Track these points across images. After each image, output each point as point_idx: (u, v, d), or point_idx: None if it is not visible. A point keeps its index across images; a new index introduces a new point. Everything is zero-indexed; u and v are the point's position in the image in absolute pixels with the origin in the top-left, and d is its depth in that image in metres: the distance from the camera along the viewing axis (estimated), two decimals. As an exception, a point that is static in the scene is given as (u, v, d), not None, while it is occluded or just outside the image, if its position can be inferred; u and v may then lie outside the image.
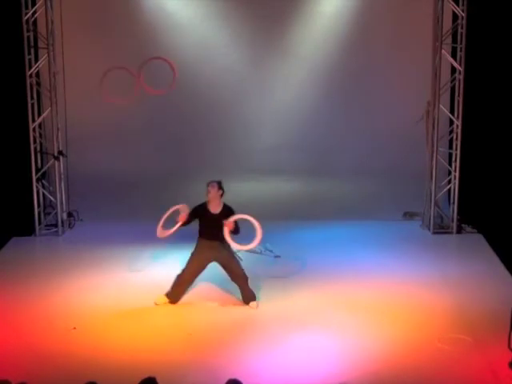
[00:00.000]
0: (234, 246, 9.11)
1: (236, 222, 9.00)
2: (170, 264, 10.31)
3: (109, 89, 9.86)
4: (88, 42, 12.59)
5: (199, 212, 9.08)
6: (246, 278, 9.19)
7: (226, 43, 12.81)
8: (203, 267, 9.17)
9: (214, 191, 9.06)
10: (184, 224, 9.09)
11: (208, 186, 9.10)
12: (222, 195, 9.13)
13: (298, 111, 13.15)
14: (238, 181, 12.83)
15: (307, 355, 7.92)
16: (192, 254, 9.16)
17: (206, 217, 9.05)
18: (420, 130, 11.93)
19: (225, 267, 9.18)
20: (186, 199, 12.21)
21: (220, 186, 9.11)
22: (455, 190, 11.85)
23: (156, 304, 9.16)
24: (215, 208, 9.06)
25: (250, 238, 9.02)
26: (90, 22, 12.58)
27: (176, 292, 9.19)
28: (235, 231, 9.01)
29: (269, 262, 10.70)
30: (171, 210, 9.21)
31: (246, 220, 9.07)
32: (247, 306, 9.13)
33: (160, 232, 9.21)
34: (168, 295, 9.19)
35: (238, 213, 9.07)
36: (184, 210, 9.07)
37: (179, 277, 9.17)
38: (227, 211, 9.07)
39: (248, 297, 9.18)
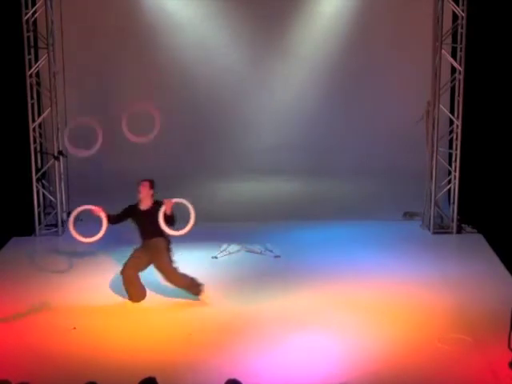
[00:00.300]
0: (170, 232, 9.05)
1: (172, 213, 9.00)
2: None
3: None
4: (88, 41, 12.59)
5: (130, 211, 9.16)
6: (180, 282, 9.13)
7: (226, 43, 12.81)
8: (139, 267, 9.16)
9: (145, 190, 9.11)
10: (113, 222, 9.18)
11: (139, 184, 9.13)
12: (153, 195, 9.16)
13: (298, 111, 13.16)
14: (238, 181, 12.86)
15: (307, 355, 7.92)
16: (132, 254, 9.18)
17: (138, 215, 9.10)
18: (420, 130, 11.93)
19: (158, 271, 9.19)
20: (185, 199, 12.25)
21: (151, 185, 9.13)
22: (455, 190, 11.84)
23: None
24: (146, 206, 9.12)
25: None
26: (90, 22, 12.58)
27: (134, 292, 9.18)
28: (171, 221, 9.00)
29: (269, 261, 10.70)
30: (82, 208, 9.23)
31: (181, 204, 9.07)
32: (247, 306, 9.11)
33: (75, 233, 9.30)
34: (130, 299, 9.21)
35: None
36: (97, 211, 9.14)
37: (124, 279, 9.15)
38: (158, 205, 9.08)
39: (192, 292, 9.18)
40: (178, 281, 9.15)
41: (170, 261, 9.16)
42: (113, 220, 9.25)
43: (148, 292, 9.48)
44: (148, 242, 9.12)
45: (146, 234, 9.12)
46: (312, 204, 12.61)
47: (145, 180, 9.15)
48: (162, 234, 9.08)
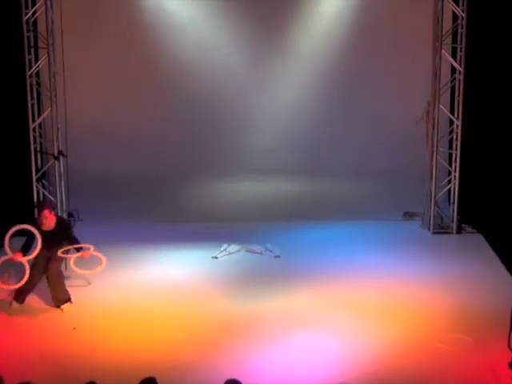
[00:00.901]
0: (78, 270, 9.17)
1: (75, 238, 9.08)
2: (170, 264, 10.32)
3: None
4: (88, 42, 12.58)
5: (33, 227, 8.97)
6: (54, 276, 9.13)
7: (226, 43, 12.80)
8: (40, 277, 9.15)
9: (52, 218, 8.93)
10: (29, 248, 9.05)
11: (43, 210, 8.91)
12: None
13: (298, 111, 13.15)
14: (238, 181, 12.86)
15: (307, 355, 7.92)
16: (32, 265, 9.05)
17: (41, 233, 8.93)
18: (420, 130, 11.93)
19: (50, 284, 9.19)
20: (185, 199, 12.28)
21: (53, 208, 9.15)
22: (455, 189, 11.85)
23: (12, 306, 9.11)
24: (48, 227, 8.99)
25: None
26: (90, 22, 12.56)
27: (22, 295, 9.15)
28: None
29: (269, 262, 10.69)
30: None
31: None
32: (247, 306, 9.12)
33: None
34: (15, 299, 9.15)
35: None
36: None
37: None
38: (62, 226, 9.06)
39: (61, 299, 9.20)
40: (60, 290, 9.15)
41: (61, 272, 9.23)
42: (28, 248, 9.12)
43: (148, 292, 9.49)
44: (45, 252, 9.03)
45: (45, 247, 9.00)
46: (312, 204, 12.60)
47: (45, 205, 9.07)
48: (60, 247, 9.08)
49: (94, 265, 9.22)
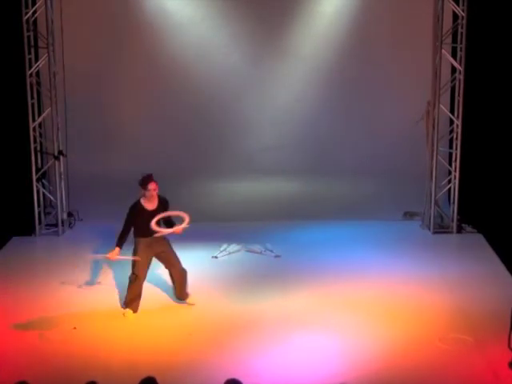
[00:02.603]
0: (165, 231, 8.96)
1: (170, 219, 9.00)
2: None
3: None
4: (88, 41, 12.58)
5: (135, 213, 8.91)
6: (185, 273, 9.11)
7: (226, 43, 12.80)
8: (148, 267, 9.03)
9: (156, 189, 8.90)
10: (123, 243, 8.90)
11: (148, 183, 8.85)
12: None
13: (298, 111, 13.15)
14: (238, 181, 12.86)
15: (307, 355, 7.92)
16: (137, 254, 8.92)
17: (144, 215, 8.86)
18: (420, 130, 11.93)
19: (165, 263, 9.10)
20: (185, 199, 12.26)
21: (157, 182, 8.96)
22: (455, 189, 11.85)
23: (127, 317, 8.88)
24: (152, 204, 8.94)
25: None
26: (90, 22, 12.57)
27: (135, 301, 8.95)
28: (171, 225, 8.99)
29: (269, 261, 10.69)
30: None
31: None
32: (247, 306, 9.11)
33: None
34: (128, 306, 8.93)
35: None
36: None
37: (134, 285, 8.92)
38: (164, 204, 8.99)
39: (184, 293, 9.16)
40: (181, 272, 9.07)
41: (176, 255, 9.13)
42: (124, 241, 8.94)
43: (148, 292, 9.48)
44: (151, 239, 8.91)
45: (145, 233, 8.88)
46: (312, 204, 12.60)
47: (151, 178, 8.89)
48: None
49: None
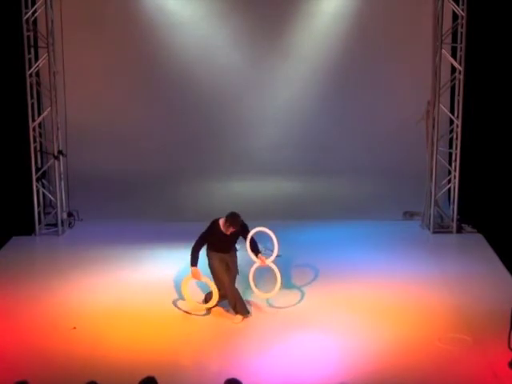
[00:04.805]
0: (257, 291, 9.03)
1: (253, 243, 8.91)
2: (170, 264, 10.32)
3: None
4: (88, 41, 12.57)
5: (212, 232, 8.78)
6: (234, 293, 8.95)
7: (226, 43, 12.79)
8: (227, 272, 8.93)
9: (235, 231, 8.74)
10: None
11: (232, 226, 8.64)
12: None
13: (298, 111, 13.14)
14: (238, 181, 12.84)
15: (307, 355, 7.92)
16: (213, 266, 8.84)
17: (220, 236, 8.77)
18: (420, 130, 11.93)
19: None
20: (185, 199, 12.27)
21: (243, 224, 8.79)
22: (455, 189, 11.85)
23: (236, 323, 8.79)
24: (229, 231, 8.78)
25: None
26: (90, 22, 12.55)
27: (238, 303, 8.86)
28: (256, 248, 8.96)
29: (269, 261, 10.68)
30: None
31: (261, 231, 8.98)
32: (247, 306, 9.10)
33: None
34: (237, 312, 8.84)
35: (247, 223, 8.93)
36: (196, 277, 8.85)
37: (228, 293, 8.84)
38: (241, 229, 8.83)
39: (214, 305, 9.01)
40: (233, 297, 8.90)
41: (236, 276, 9.04)
42: (197, 258, 8.81)
43: (148, 292, 9.50)
44: (223, 255, 8.88)
45: (223, 250, 8.85)
46: (312, 204, 12.60)
47: (235, 222, 8.64)
48: (235, 248, 8.99)
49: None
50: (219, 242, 8.81)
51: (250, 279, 9.05)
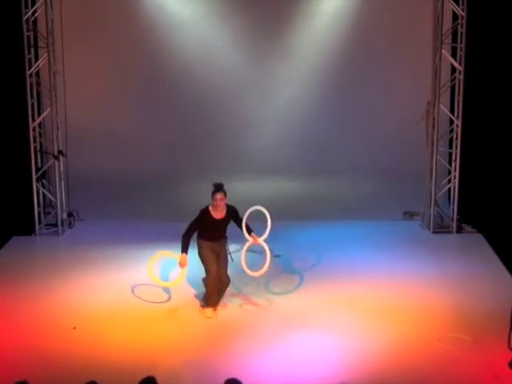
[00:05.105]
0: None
1: (247, 224, 9.01)
2: (169, 263, 10.32)
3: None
4: (88, 41, 12.58)
5: (203, 220, 8.83)
6: (227, 283, 9.08)
7: (226, 43, 12.80)
8: (216, 263, 8.95)
9: (223, 203, 8.81)
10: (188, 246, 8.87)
11: (217, 194, 8.76)
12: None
13: (297, 111, 13.14)
14: (238, 181, 12.82)
15: (307, 355, 7.92)
16: (203, 255, 8.91)
17: (211, 223, 8.85)
18: (420, 130, 11.93)
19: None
20: (185, 199, 12.26)
21: (225, 192, 8.88)
22: (455, 189, 11.85)
23: (208, 317, 8.89)
24: (220, 214, 8.89)
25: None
26: (90, 22, 12.56)
27: (211, 298, 8.96)
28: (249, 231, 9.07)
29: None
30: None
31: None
32: (247, 306, 9.11)
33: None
34: (209, 304, 8.95)
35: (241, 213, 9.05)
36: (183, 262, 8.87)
37: (208, 282, 8.93)
38: (232, 213, 8.95)
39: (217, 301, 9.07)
40: (224, 281, 9.02)
41: (228, 259, 9.12)
42: (188, 245, 8.89)
43: (148, 292, 9.50)
44: (213, 244, 8.93)
45: (213, 238, 8.92)
46: (312, 204, 12.59)
47: (220, 189, 8.78)
48: (225, 235, 9.02)
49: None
50: (210, 229, 8.85)
51: (241, 259, 9.08)
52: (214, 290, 8.93)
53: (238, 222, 9.04)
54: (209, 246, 8.92)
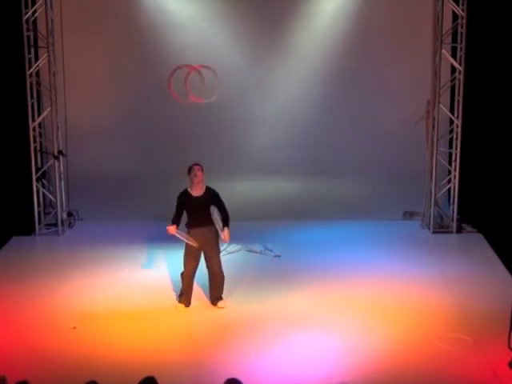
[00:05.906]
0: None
1: (226, 214, 9.01)
2: (169, 263, 10.33)
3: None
4: (88, 41, 12.58)
5: (184, 200, 8.99)
6: (222, 277, 9.14)
7: (226, 43, 12.79)
8: (196, 262, 9.04)
9: (201, 174, 8.99)
10: (177, 224, 8.96)
11: (193, 169, 8.99)
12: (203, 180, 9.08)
13: (297, 111, 13.14)
14: (238, 181, 12.84)
15: (307, 355, 7.92)
16: (184, 254, 9.03)
17: (191, 202, 8.96)
18: (420, 130, 11.94)
19: (206, 259, 9.07)
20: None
21: (203, 169, 9.05)
22: (455, 189, 11.86)
23: (179, 311, 9.04)
24: (198, 191, 9.01)
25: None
26: (90, 22, 12.56)
27: (184, 295, 9.09)
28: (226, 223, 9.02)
29: (269, 261, 10.69)
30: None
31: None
32: (247, 306, 9.12)
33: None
34: (180, 301, 9.10)
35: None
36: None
37: (182, 279, 9.08)
38: (212, 194, 9.02)
39: (217, 297, 9.15)
40: (220, 274, 9.10)
41: (219, 251, 9.18)
42: (177, 222, 8.98)
43: (148, 292, 9.50)
44: (199, 230, 8.94)
45: (197, 222, 8.94)
46: (312, 204, 12.60)
47: (197, 164, 9.03)
48: (212, 221, 8.95)
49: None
50: (193, 211, 8.92)
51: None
52: (186, 288, 9.05)
53: (220, 206, 9.02)
54: (196, 236, 8.87)
